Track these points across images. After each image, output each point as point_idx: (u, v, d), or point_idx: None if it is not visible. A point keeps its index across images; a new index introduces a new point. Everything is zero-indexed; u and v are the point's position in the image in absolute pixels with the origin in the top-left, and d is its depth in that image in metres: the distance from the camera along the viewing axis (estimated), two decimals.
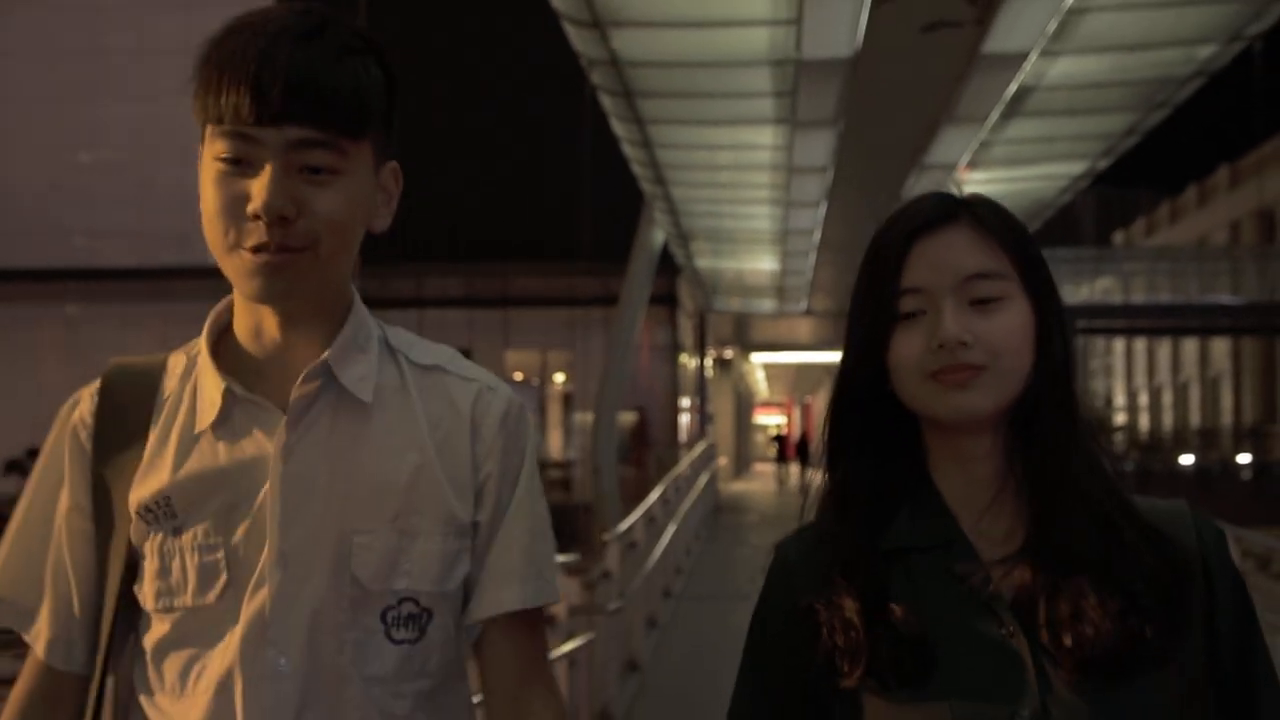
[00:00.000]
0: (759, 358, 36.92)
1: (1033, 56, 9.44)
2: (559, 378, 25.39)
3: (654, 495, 11.82)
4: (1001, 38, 9.03)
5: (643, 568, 9.51)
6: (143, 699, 1.28)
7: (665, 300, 22.40)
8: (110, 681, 1.31)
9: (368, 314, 1.34)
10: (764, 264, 20.34)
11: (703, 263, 20.92)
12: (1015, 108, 10.85)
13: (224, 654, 1.23)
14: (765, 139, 11.90)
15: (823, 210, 15.17)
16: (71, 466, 1.31)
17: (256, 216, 1.19)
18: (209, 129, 1.22)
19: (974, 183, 14.17)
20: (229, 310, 1.32)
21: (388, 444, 1.29)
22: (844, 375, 1.26)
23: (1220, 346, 34.75)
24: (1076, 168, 13.55)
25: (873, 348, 1.22)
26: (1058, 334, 1.22)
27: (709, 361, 28.47)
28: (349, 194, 1.25)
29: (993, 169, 13.27)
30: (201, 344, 1.31)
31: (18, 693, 1.32)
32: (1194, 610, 1.17)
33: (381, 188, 1.31)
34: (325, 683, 1.24)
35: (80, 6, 23.28)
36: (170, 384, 1.33)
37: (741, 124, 11.55)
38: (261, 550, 1.24)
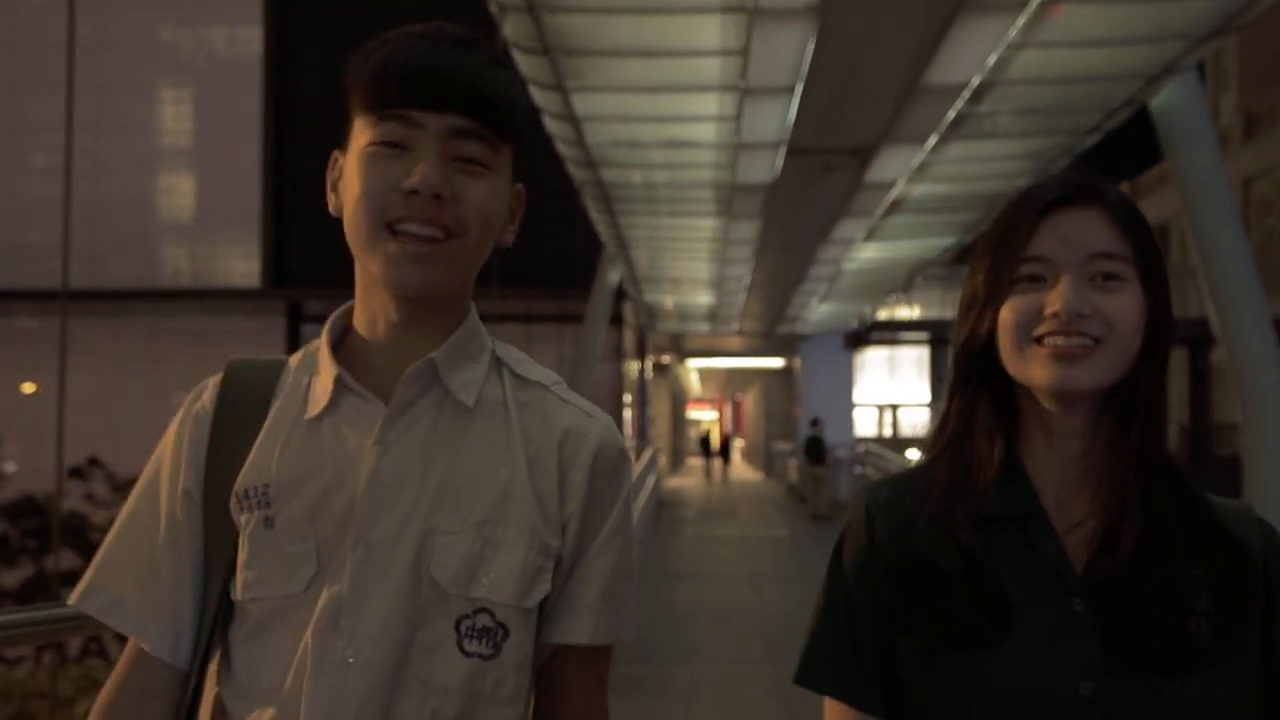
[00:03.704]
0: (694, 362, 38.35)
1: (900, 183, 12.35)
2: None
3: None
4: (877, 172, 11.91)
5: None
6: (223, 688, 1.23)
7: (613, 320, 23.85)
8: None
9: (481, 328, 1.31)
10: (702, 299, 22.53)
11: (650, 297, 22.90)
12: (894, 208, 13.73)
13: (303, 643, 1.19)
14: (707, 224, 14.71)
15: (751, 265, 17.73)
16: (189, 452, 1.27)
17: (413, 192, 1.17)
18: (365, 118, 1.20)
19: (868, 250, 16.96)
20: (349, 312, 1.30)
21: (484, 453, 1.24)
22: (955, 344, 1.25)
23: None
24: (948, 240, 16.38)
25: (986, 309, 1.21)
26: (1166, 326, 1.20)
27: (649, 365, 30.11)
28: (496, 190, 1.23)
29: (882, 241, 16.12)
30: (323, 337, 1.28)
31: (110, 686, 1.25)
32: (1255, 612, 1.16)
33: (511, 204, 1.28)
34: (389, 682, 1.18)
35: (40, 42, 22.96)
36: (289, 378, 1.29)
37: (690, 215, 14.33)
38: (348, 541, 1.20)
